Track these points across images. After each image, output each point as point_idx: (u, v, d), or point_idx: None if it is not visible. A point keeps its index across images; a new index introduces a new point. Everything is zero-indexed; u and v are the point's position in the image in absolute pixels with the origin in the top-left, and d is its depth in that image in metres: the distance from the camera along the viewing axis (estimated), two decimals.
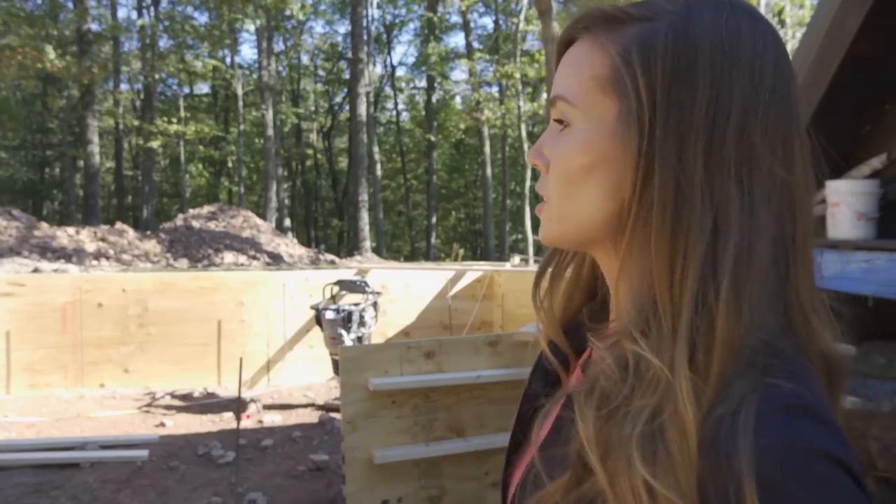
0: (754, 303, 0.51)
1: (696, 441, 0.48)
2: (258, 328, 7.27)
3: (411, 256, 28.03)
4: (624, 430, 0.50)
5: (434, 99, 28.94)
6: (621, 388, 0.52)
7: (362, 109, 20.34)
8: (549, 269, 0.72)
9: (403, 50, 66.36)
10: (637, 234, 0.55)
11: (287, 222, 24.22)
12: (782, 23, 19.33)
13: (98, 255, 12.34)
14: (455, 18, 28.95)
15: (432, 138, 27.46)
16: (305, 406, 6.43)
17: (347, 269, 8.66)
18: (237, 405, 4.91)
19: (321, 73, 32.14)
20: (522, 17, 22.06)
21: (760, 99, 0.54)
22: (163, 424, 5.75)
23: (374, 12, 27.74)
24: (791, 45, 18.14)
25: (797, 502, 0.44)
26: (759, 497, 0.44)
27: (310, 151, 31.68)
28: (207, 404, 6.36)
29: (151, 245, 13.49)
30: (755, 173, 0.54)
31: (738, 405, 0.48)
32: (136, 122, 23.97)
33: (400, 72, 32.86)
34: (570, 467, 0.54)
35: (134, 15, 26.96)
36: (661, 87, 0.54)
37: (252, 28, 21.79)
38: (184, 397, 6.60)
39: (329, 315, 6.12)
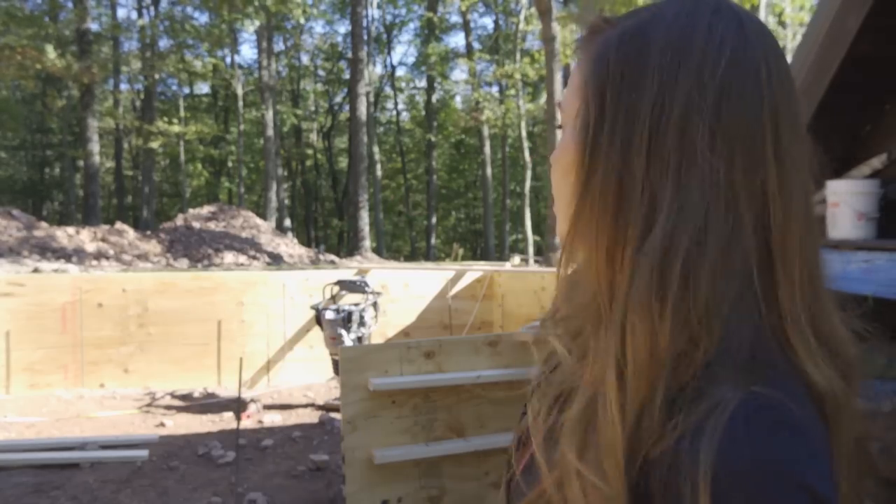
0: (710, 304, 0.50)
1: (620, 434, 0.48)
2: (258, 328, 7.26)
3: (411, 256, 28.03)
4: (562, 423, 0.52)
5: (434, 99, 28.95)
6: (561, 387, 0.55)
7: (362, 109, 20.34)
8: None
9: (403, 50, 66.34)
10: (583, 228, 0.57)
11: (287, 222, 24.22)
12: (783, 24, 19.32)
13: (98, 255, 12.34)
14: (455, 18, 29.00)
15: (432, 138, 27.47)
16: (305, 406, 6.42)
17: (347, 269, 8.66)
18: (237, 405, 4.91)
19: (321, 73, 32.15)
20: (522, 17, 22.06)
21: (708, 95, 0.53)
22: (163, 424, 5.75)
23: (374, 12, 27.79)
24: (791, 46, 18.13)
25: None
26: None
27: (310, 151, 31.68)
28: (207, 404, 6.36)
29: (151, 245, 13.49)
30: (695, 173, 0.52)
31: (708, 413, 0.47)
32: (136, 123, 23.98)
33: (400, 72, 32.91)
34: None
35: (134, 15, 26.98)
36: (610, 91, 0.56)
37: (251, 29, 21.79)
38: (184, 397, 6.60)
39: (329, 315, 6.12)
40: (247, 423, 5.74)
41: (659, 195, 0.52)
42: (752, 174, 0.53)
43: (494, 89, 26.63)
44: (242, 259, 13.53)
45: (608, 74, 0.56)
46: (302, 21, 23.71)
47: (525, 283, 7.31)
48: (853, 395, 0.55)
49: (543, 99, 20.54)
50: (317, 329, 6.49)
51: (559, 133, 0.66)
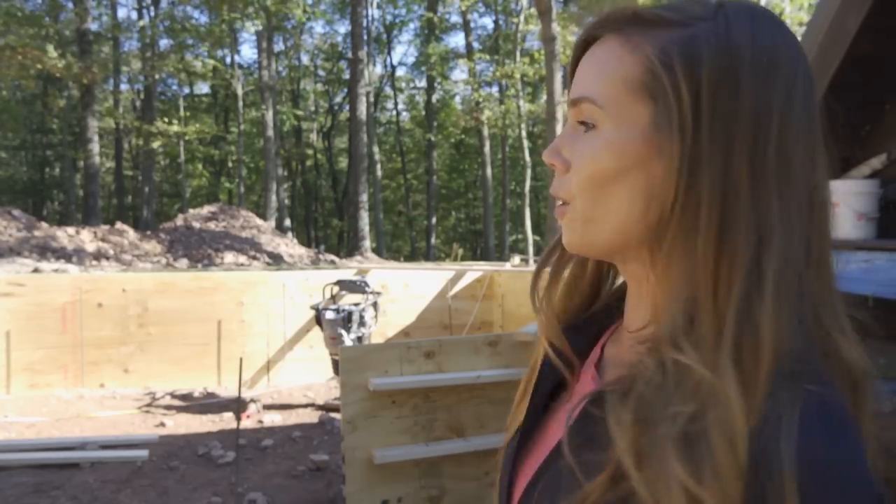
0: (790, 311, 0.52)
1: (744, 448, 0.47)
2: (258, 328, 7.26)
3: (411, 256, 28.03)
4: (659, 435, 0.50)
5: (434, 99, 28.94)
6: (660, 393, 0.52)
7: (362, 109, 20.34)
8: (548, 269, 0.71)
9: (403, 50, 66.40)
10: (679, 240, 0.55)
11: (287, 222, 24.21)
12: None
13: (98, 256, 12.34)
14: (455, 18, 28.99)
15: (432, 138, 27.46)
16: (305, 406, 6.43)
17: (347, 269, 8.66)
18: (237, 405, 4.91)
19: (321, 73, 32.14)
20: (522, 17, 22.05)
21: (795, 110, 0.55)
22: (163, 424, 5.75)
23: (374, 12, 27.79)
24: None
25: None
26: None
27: (310, 151, 31.67)
28: (207, 404, 6.36)
29: (151, 245, 13.50)
30: (791, 183, 0.54)
31: (780, 413, 0.48)
32: (136, 123, 23.97)
33: (400, 72, 32.89)
34: (605, 470, 0.53)
35: (134, 15, 26.99)
36: (706, 94, 0.54)
37: (252, 29, 21.79)
38: (184, 397, 6.60)
39: (329, 315, 6.12)
40: (247, 423, 5.74)
41: (766, 210, 0.53)
42: (816, 179, 0.57)
43: (494, 89, 26.63)
44: (242, 259, 13.53)
45: (703, 80, 0.54)
46: (302, 20, 23.68)
47: (525, 283, 7.28)
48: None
49: (543, 99, 20.56)
50: (317, 329, 6.49)
51: (564, 129, 0.63)
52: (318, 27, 31.54)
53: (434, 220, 27.84)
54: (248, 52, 48.28)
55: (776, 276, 0.52)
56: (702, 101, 0.54)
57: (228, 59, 26.98)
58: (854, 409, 0.53)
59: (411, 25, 31.31)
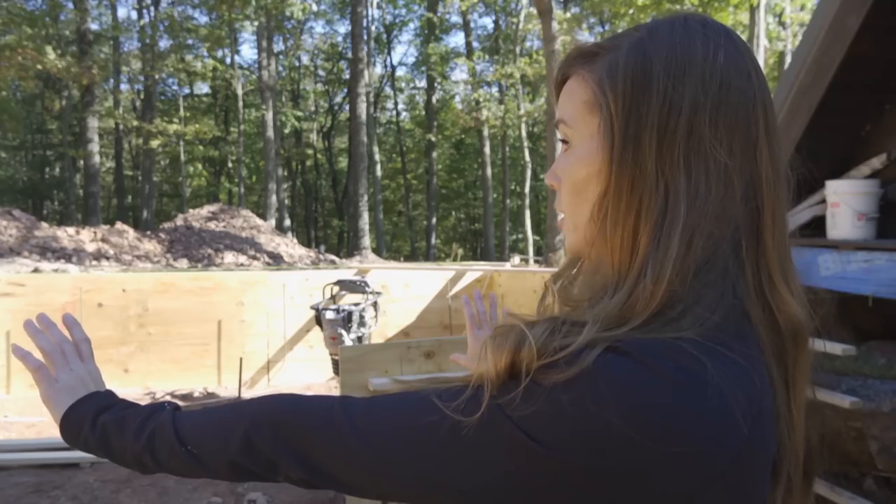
0: (698, 271, 0.59)
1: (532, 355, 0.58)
2: (258, 328, 7.26)
3: (411, 256, 28.04)
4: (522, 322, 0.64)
5: (434, 99, 28.94)
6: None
7: (362, 109, 20.35)
8: (566, 275, 0.77)
9: (403, 50, 66.43)
10: (604, 225, 0.64)
11: (287, 222, 24.21)
12: (783, 24, 19.31)
13: (98, 256, 12.34)
14: (455, 18, 28.99)
15: (432, 138, 27.46)
16: None
17: (347, 269, 8.66)
18: None
19: (321, 73, 32.16)
20: (522, 17, 22.06)
21: (710, 94, 0.61)
22: None
23: (374, 12, 27.79)
24: (792, 47, 18.09)
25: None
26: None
27: (310, 151, 31.68)
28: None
29: (151, 245, 13.50)
30: (701, 161, 0.61)
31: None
32: (135, 123, 23.96)
33: (400, 72, 32.92)
34: None
35: (134, 15, 26.99)
36: (622, 101, 0.62)
37: (251, 28, 21.76)
38: (184, 397, 6.60)
39: (329, 315, 6.12)
40: None
41: (671, 185, 0.60)
42: (748, 157, 0.62)
43: (494, 89, 26.63)
44: (242, 259, 13.54)
45: (620, 89, 0.63)
46: (300, 16, 23.56)
47: (525, 283, 7.31)
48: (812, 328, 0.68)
49: (543, 99, 20.54)
50: (317, 329, 6.48)
51: (559, 145, 0.70)
52: (318, 27, 31.61)
53: (434, 220, 27.85)
54: (248, 52, 48.30)
55: (680, 242, 0.59)
56: (619, 106, 0.62)
57: (228, 60, 26.98)
58: (793, 352, 0.65)
59: (411, 25, 31.37)
